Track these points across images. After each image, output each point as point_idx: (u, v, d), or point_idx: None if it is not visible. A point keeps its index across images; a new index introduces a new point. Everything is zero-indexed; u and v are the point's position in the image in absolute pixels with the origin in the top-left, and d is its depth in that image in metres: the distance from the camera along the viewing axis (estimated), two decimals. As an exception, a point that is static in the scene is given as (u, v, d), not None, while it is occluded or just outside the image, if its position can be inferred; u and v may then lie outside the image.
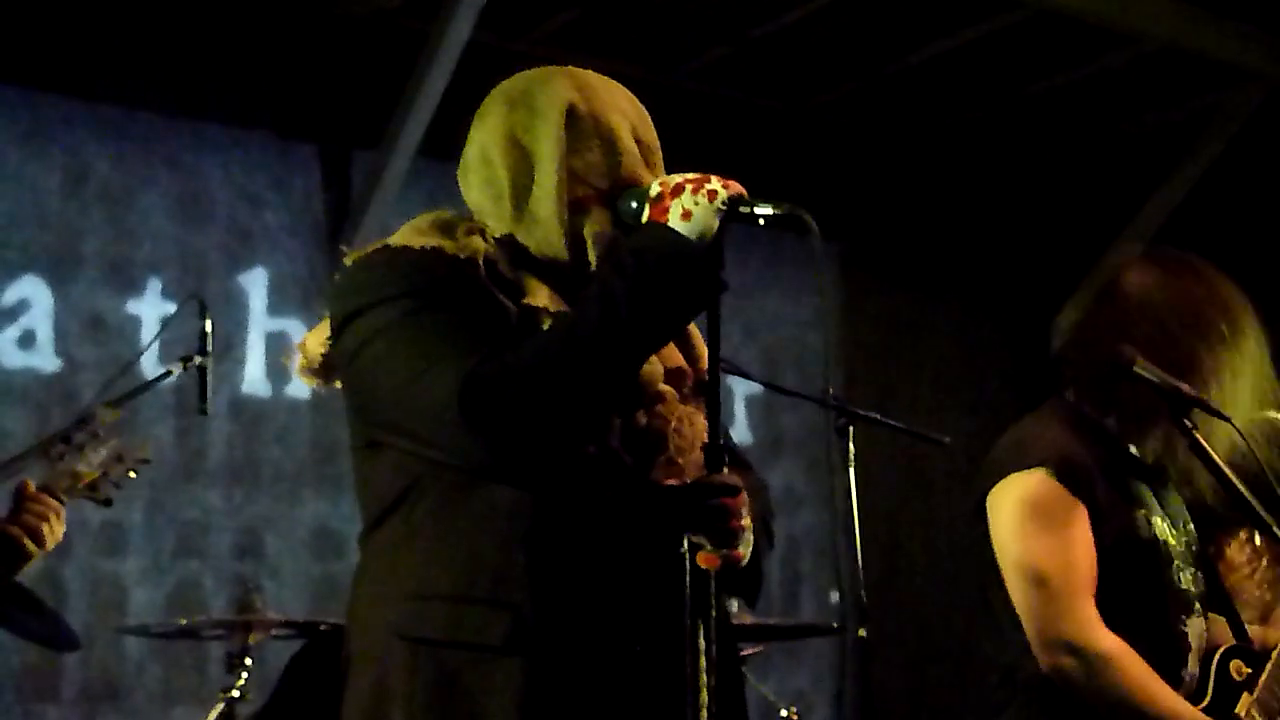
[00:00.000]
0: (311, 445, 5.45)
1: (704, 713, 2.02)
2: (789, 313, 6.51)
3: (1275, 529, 2.99)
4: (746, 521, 2.11)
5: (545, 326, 2.12)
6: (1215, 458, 3.01)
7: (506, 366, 2.00)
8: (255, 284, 5.51)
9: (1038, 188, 7.10)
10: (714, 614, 2.08)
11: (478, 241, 2.17)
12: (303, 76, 5.61)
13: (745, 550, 2.13)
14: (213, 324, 3.84)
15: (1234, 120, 6.51)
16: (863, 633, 4.37)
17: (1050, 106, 6.66)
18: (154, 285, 5.31)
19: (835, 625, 5.06)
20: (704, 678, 2.05)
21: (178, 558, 5.21)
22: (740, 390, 6.37)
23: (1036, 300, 7.26)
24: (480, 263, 2.14)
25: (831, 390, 4.59)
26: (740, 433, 6.32)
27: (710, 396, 2.14)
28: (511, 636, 2.05)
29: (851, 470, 4.34)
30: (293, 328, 5.55)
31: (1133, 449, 3.13)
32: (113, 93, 5.27)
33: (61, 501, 3.10)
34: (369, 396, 2.14)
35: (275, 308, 5.53)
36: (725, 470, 2.10)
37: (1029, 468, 2.99)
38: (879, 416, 4.38)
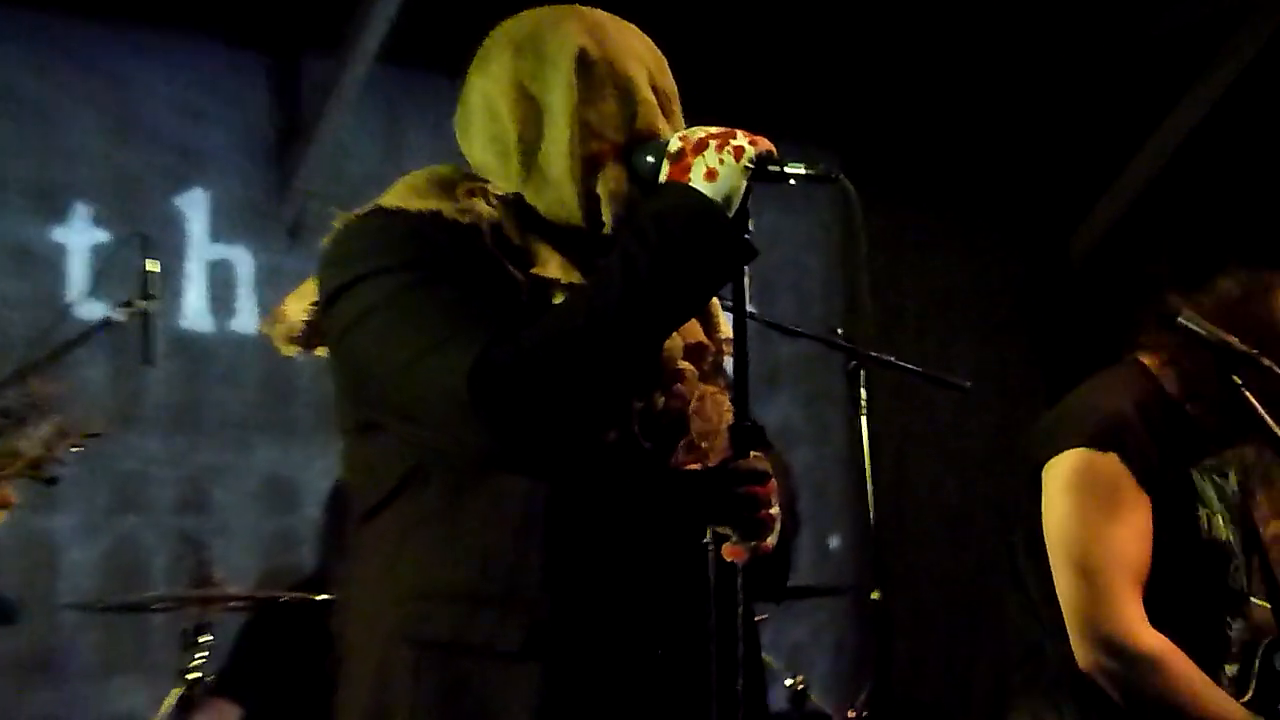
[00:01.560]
0: (261, 386, 5.43)
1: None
2: (786, 230, 6.51)
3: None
4: (775, 510, 2.12)
5: (557, 299, 2.11)
6: (1264, 415, 3.06)
7: (520, 347, 1.99)
8: (195, 207, 5.47)
9: (1051, 94, 7.09)
10: (741, 610, 2.11)
11: (481, 204, 2.15)
12: (246, -27, 5.54)
13: (773, 542, 2.14)
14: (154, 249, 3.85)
15: (1270, 19, 6.50)
16: (876, 595, 4.43)
17: (1065, 6, 6.64)
18: (82, 211, 5.26)
19: (846, 586, 5.13)
20: (733, 680, 2.08)
21: (114, 513, 5.20)
22: (729, 318, 6.36)
23: (1050, 215, 7.33)
24: (485, 228, 2.13)
25: (840, 330, 4.59)
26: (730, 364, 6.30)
27: (738, 373, 2.15)
28: (528, 640, 2.06)
29: (864, 419, 4.38)
30: (237, 256, 5.52)
31: (1194, 436, 3.16)
32: (34, -4, 5.21)
33: None
34: (365, 377, 2.13)
35: (218, 233, 5.49)
36: (753, 454, 2.11)
37: (1099, 448, 3.02)
38: (894, 360, 4.40)
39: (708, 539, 2.09)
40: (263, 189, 5.56)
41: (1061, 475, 3.06)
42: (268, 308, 5.46)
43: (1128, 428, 3.06)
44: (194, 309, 5.43)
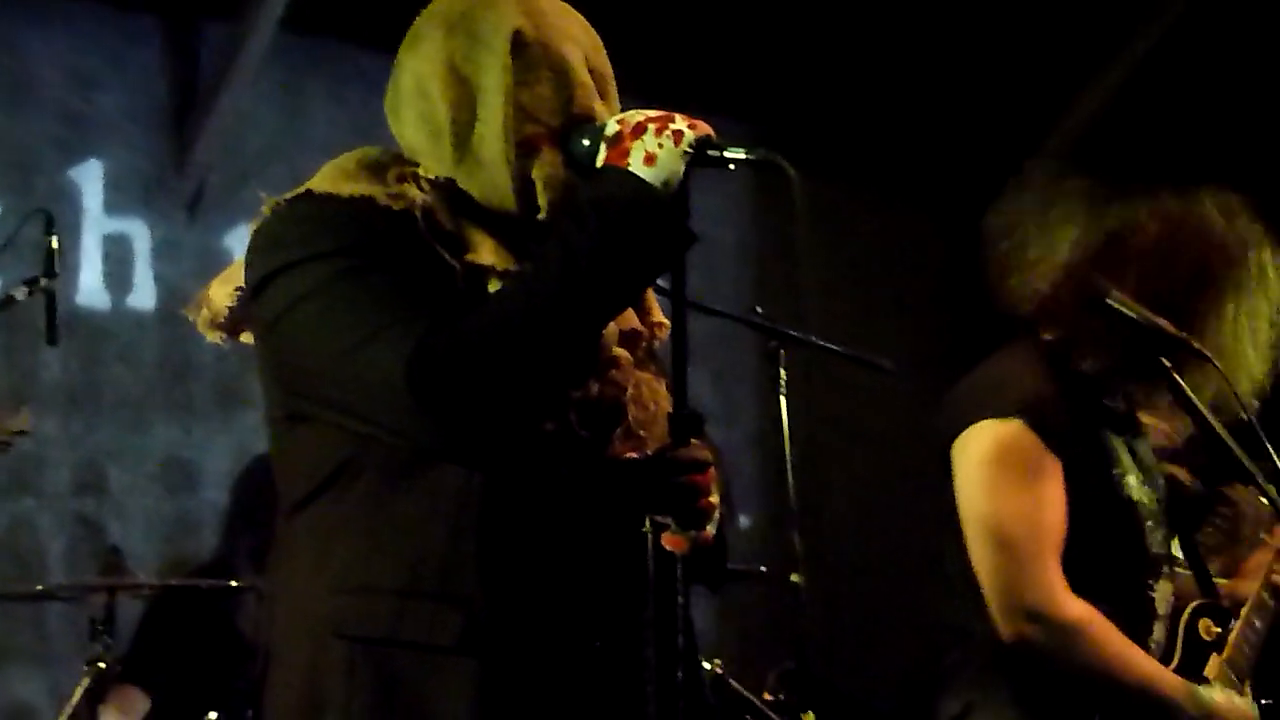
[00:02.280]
0: (159, 364, 5.39)
1: (676, 716, 2.08)
2: (698, 205, 6.50)
3: (1258, 477, 3.11)
4: (715, 499, 2.15)
5: (493, 287, 2.12)
6: (1196, 401, 3.12)
7: (458, 336, 2.00)
8: (89, 178, 5.41)
9: (969, 74, 7.14)
10: (681, 601, 2.12)
11: (412, 189, 2.15)
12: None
13: (713, 530, 2.17)
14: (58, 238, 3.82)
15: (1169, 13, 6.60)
16: (796, 578, 4.48)
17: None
18: (-29, 183, 5.20)
19: (763, 569, 5.15)
20: (673, 672, 2.10)
21: (9, 495, 5.15)
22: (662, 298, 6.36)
23: (970, 189, 7.35)
24: (418, 214, 2.13)
25: (759, 309, 4.62)
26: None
27: (677, 359, 2.16)
28: (464, 635, 2.07)
29: (783, 398, 4.43)
30: (134, 229, 5.46)
31: (1107, 401, 3.21)
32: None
33: None
34: (297, 367, 2.13)
35: (113, 206, 5.44)
36: (692, 442, 2.13)
37: (1003, 416, 3.05)
38: (818, 340, 4.44)
39: (647, 528, 2.10)
40: (160, 160, 5.50)
41: (969, 450, 3.09)
42: (166, 283, 5.44)
43: (1032, 395, 3.09)
44: (89, 285, 5.37)
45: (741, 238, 6.74)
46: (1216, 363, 3.06)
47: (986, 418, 3.08)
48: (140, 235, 5.47)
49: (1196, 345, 3.08)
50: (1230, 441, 3.09)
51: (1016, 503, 3.03)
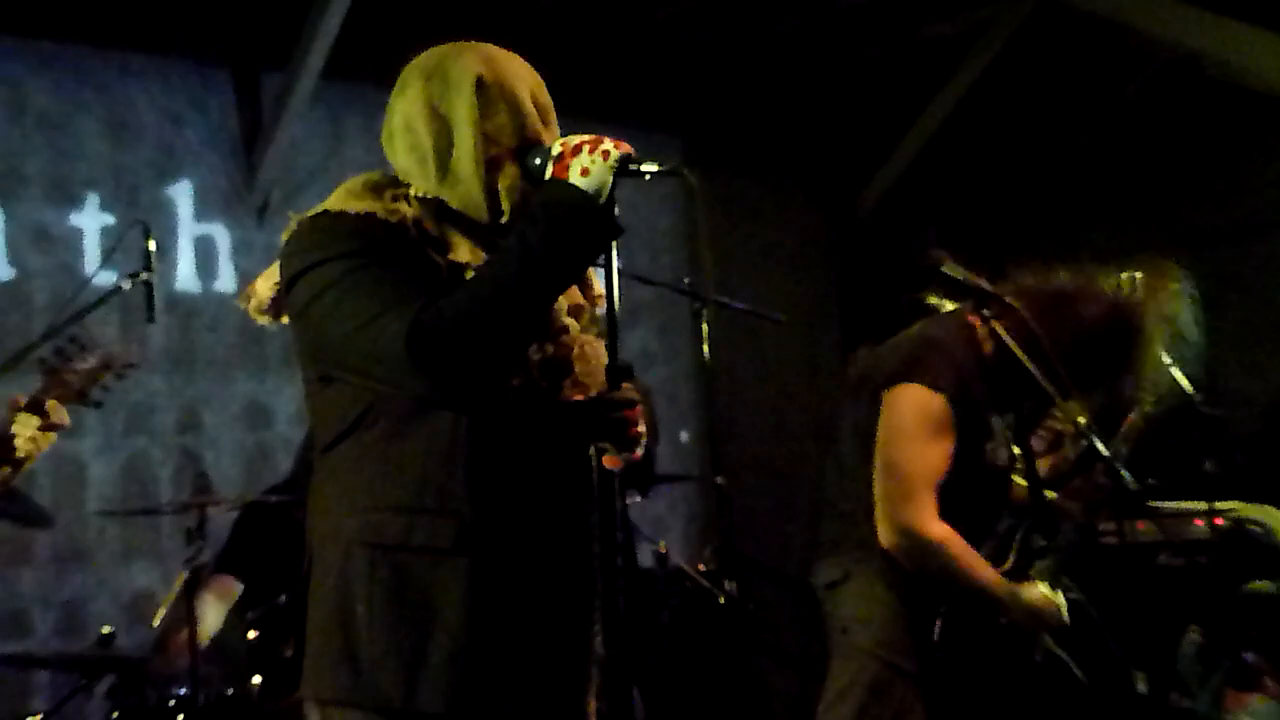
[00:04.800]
0: (239, 332, 5.32)
1: (614, 594, 2.06)
2: (640, 200, 6.47)
3: (1056, 398, 3.07)
4: (642, 428, 2.14)
5: (471, 276, 2.09)
6: (1007, 339, 3.09)
7: (444, 313, 1.99)
8: (182, 194, 5.32)
9: (843, 91, 7.12)
10: (619, 506, 2.12)
11: (404, 206, 2.14)
12: (215, 6, 5.38)
13: (641, 452, 2.16)
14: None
15: (1006, 30, 6.54)
16: (719, 480, 4.46)
17: (854, 19, 6.64)
18: (93, 199, 5.10)
19: (696, 475, 5.14)
20: (614, 557, 2.09)
21: (128, 435, 5.09)
22: (600, 271, 6.33)
23: (842, 180, 7.36)
24: (410, 224, 2.11)
25: (686, 280, 4.60)
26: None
27: (610, 324, 2.14)
28: (458, 539, 2.06)
29: (705, 346, 4.40)
30: (217, 231, 5.39)
31: (1002, 381, 3.18)
32: (47, 28, 5.02)
33: (45, 414, 3.00)
34: (322, 341, 2.12)
35: (200, 214, 5.35)
36: (624, 386, 2.12)
37: (936, 389, 3.03)
38: (727, 300, 4.42)
39: (592, 453, 2.10)
40: (234, 179, 5.42)
41: (899, 401, 3.07)
42: (242, 272, 5.39)
43: (956, 379, 3.07)
44: (184, 275, 5.29)
45: (676, 225, 6.69)
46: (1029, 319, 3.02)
47: (923, 383, 3.05)
48: (222, 236, 5.40)
49: (1009, 300, 3.05)
50: (1031, 366, 3.04)
51: (920, 450, 3.03)
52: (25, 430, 2.98)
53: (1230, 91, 6.93)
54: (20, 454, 2.94)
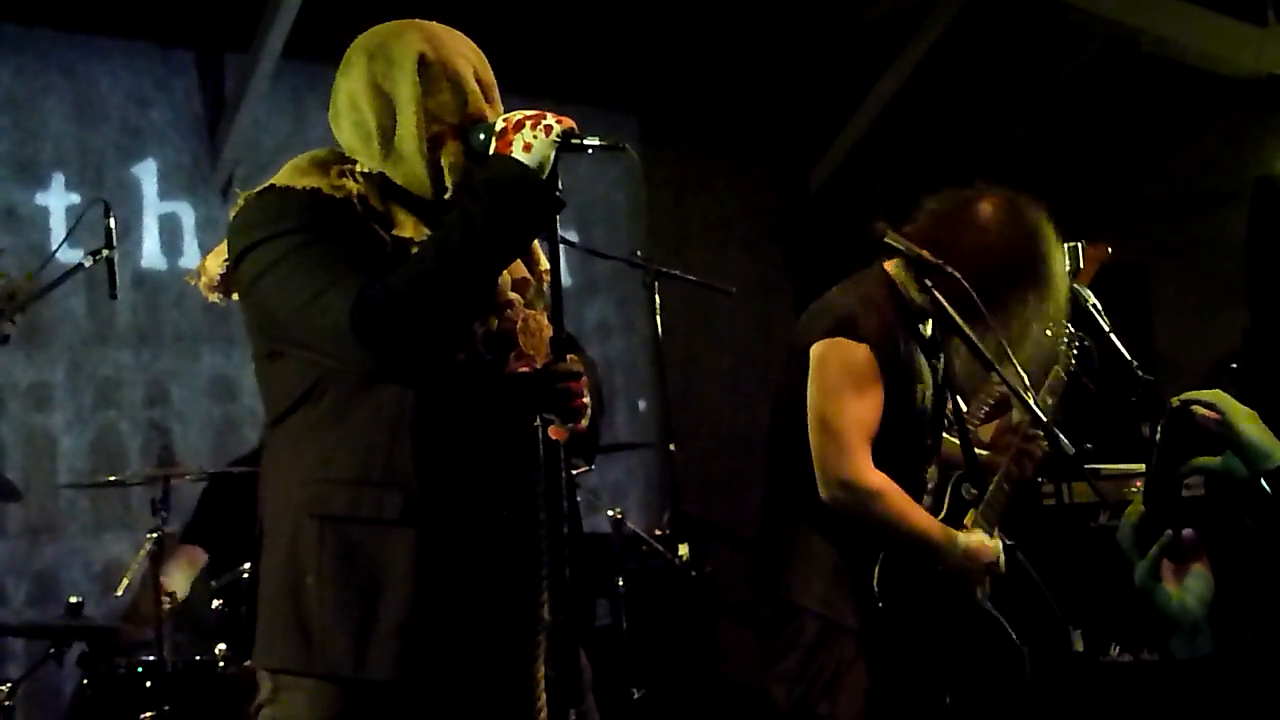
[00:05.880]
0: (204, 308, 5.21)
1: (560, 562, 2.03)
2: (597, 176, 6.43)
3: (994, 365, 3.03)
4: (586, 400, 2.10)
5: (415, 252, 2.05)
6: (945, 304, 3.03)
7: (388, 287, 1.95)
8: (147, 174, 5.23)
9: (795, 69, 7.08)
10: (564, 475, 2.09)
11: (349, 182, 2.09)
12: (177, -10, 5.31)
13: (586, 423, 2.13)
14: (113, 209, 3.72)
15: (951, 8, 6.51)
16: (672, 446, 4.45)
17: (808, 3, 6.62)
18: (58, 179, 5.01)
19: (648, 443, 5.12)
20: (559, 527, 2.06)
21: (98, 409, 5.02)
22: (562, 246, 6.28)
23: (794, 156, 7.34)
24: (355, 200, 2.07)
25: (639, 252, 4.56)
26: (563, 277, 6.24)
27: (554, 297, 2.11)
28: (405, 510, 2.03)
29: (658, 317, 4.37)
30: (181, 209, 5.30)
31: (922, 326, 3.14)
32: (13, 12, 4.92)
33: None
34: (270, 316, 2.08)
35: (165, 193, 5.26)
36: (569, 358, 2.09)
37: (857, 339, 2.99)
38: (678, 272, 4.39)
39: (537, 423, 2.07)
40: (198, 158, 5.34)
41: (825, 357, 3.02)
42: (207, 249, 5.34)
43: (879, 322, 3.02)
44: (150, 252, 5.20)
45: (633, 199, 6.64)
46: (966, 284, 2.97)
47: (846, 336, 3.00)
48: (186, 214, 5.32)
49: (950, 270, 3.00)
50: (965, 327, 2.99)
51: (847, 403, 2.98)
52: None
53: (1167, 67, 6.95)
54: None
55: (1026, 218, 3.09)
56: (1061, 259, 3.18)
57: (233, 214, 2.14)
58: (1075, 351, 3.47)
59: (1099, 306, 3.43)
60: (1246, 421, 1.82)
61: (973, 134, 7.24)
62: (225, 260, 2.16)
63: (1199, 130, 7.30)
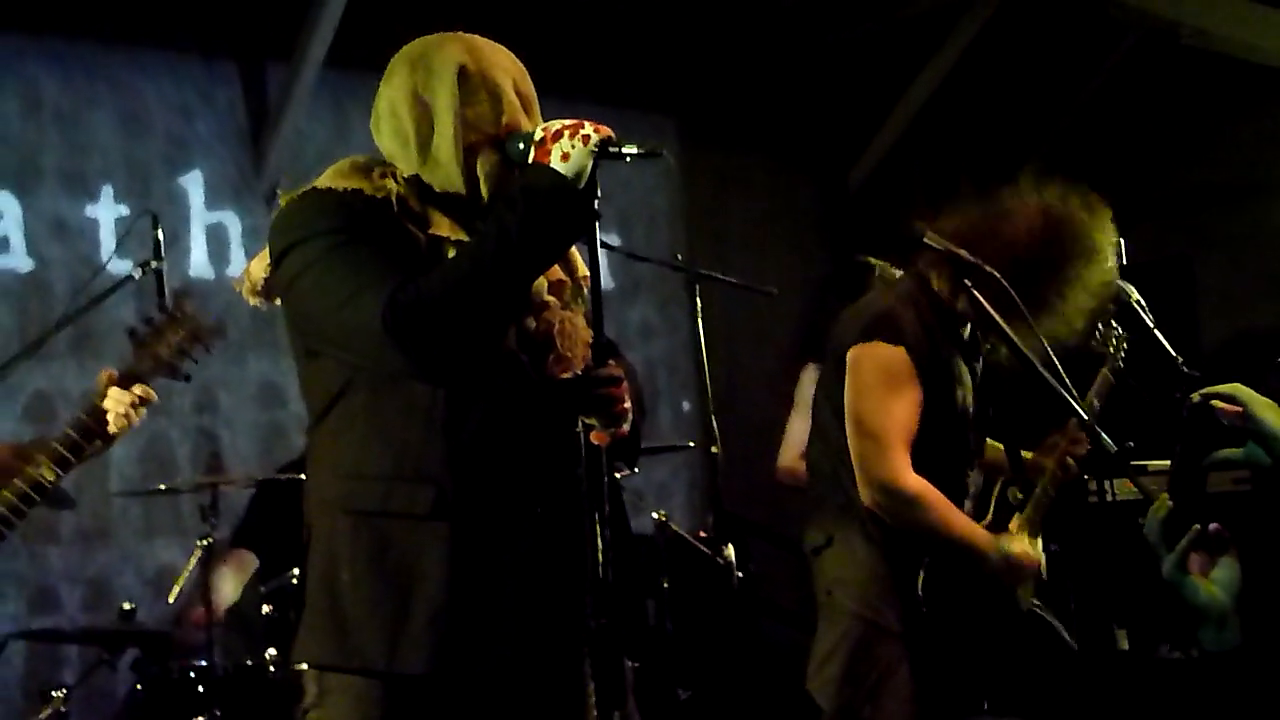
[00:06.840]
0: (251, 316, 5.26)
1: (601, 565, 2.04)
2: (637, 179, 6.44)
3: (1027, 355, 2.99)
4: (628, 405, 2.11)
5: (450, 253, 2.08)
6: (990, 310, 3.01)
7: (421, 290, 1.97)
8: (193, 184, 5.29)
9: (835, 68, 7.05)
10: (605, 480, 2.09)
11: (390, 183, 2.11)
12: (221, 0, 5.34)
13: (627, 427, 2.13)
14: (160, 220, 3.74)
15: (990, 2, 6.47)
16: (715, 449, 4.44)
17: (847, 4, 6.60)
18: (107, 191, 5.08)
19: (691, 444, 5.12)
20: (601, 531, 2.06)
21: (148, 417, 5.04)
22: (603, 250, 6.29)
23: (833, 156, 7.31)
24: (394, 200, 2.09)
25: (680, 255, 4.56)
26: (605, 280, 6.23)
27: (594, 302, 2.11)
28: (435, 505, 2.05)
29: (700, 319, 4.37)
30: (228, 219, 5.36)
31: (962, 330, 3.12)
32: (60, 26, 4.98)
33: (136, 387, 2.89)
34: (307, 316, 2.11)
35: (211, 203, 5.32)
36: (609, 363, 2.10)
37: (893, 342, 2.98)
38: (719, 275, 4.39)
39: (579, 428, 2.08)
40: (243, 168, 5.39)
41: (862, 361, 3.02)
42: (252, 258, 5.36)
43: (914, 325, 3.02)
44: (198, 261, 5.26)
45: (673, 202, 6.64)
46: (1005, 282, 2.94)
47: (882, 339, 3.00)
48: (232, 224, 5.38)
49: (989, 270, 2.98)
50: (1014, 337, 2.97)
51: (885, 405, 2.98)
52: (117, 406, 2.91)
53: (1208, 59, 6.88)
54: (113, 429, 2.88)
55: (1067, 213, 3.06)
56: (1109, 251, 3.14)
57: (274, 215, 2.18)
58: (1123, 351, 3.44)
59: (1143, 302, 3.40)
60: (1267, 411, 1.83)
61: (1012, 130, 7.19)
62: (269, 265, 2.19)
63: (1241, 122, 7.21)
